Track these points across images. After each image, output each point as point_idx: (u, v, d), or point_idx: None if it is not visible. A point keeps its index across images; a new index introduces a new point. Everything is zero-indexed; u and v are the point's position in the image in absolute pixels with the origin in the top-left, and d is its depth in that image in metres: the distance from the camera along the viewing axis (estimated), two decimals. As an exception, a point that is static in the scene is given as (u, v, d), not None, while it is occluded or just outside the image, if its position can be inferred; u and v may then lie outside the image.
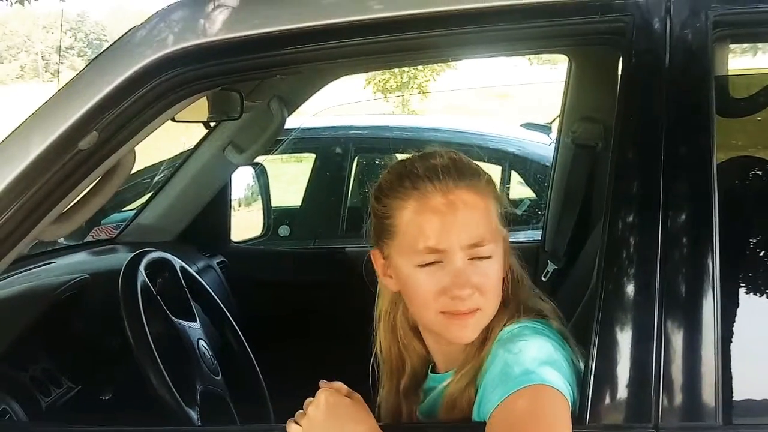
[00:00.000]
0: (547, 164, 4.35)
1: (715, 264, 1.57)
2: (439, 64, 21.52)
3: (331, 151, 5.57)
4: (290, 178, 6.87)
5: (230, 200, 4.01)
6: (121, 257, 2.93)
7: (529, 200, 5.10)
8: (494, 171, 5.06)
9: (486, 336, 1.69)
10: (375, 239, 1.77)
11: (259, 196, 4.96)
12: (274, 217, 4.94)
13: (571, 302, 2.12)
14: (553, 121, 4.99)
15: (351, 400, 1.62)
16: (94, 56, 1.92)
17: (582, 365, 1.63)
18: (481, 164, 1.77)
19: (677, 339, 1.57)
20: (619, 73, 1.75)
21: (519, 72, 25.68)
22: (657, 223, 1.59)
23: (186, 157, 3.70)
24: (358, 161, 5.48)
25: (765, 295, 1.77)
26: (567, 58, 3.31)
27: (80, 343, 2.70)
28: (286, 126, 3.68)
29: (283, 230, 5.11)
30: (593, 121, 3.05)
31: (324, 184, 5.54)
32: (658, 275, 1.58)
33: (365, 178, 5.33)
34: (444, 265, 1.64)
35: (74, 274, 2.79)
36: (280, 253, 4.47)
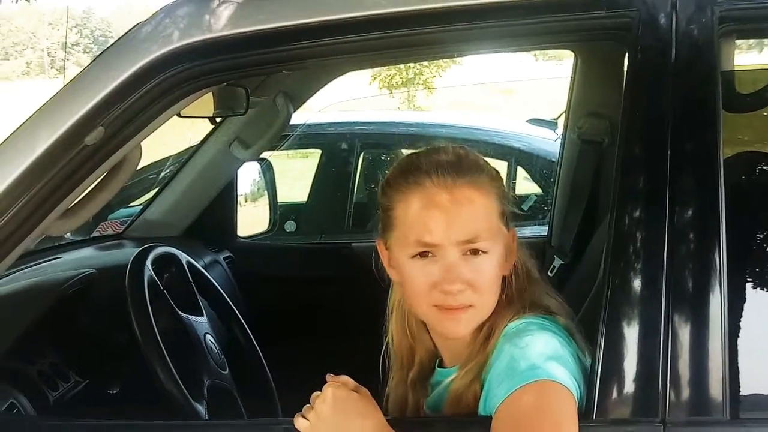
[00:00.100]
0: (553, 160, 4.35)
1: (721, 259, 1.57)
2: (445, 60, 21.55)
3: (337, 146, 5.58)
4: (296, 174, 6.88)
5: (236, 196, 4.01)
6: (128, 252, 2.94)
7: (536, 196, 5.10)
8: (500, 167, 5.04)
9: (490, 332, 1.70)
10: (381, 231, 1.79)
11: (266, 192, 4.96)
12: (280, 212, 4.93)
13: (577, 297, 2.12)
14: (559, 116, 4.99)
15: (358, 395, 1.62)
16: (100, 52, 1.93)
17: (589, 361, 1.63)
18: (487, 160, 1.78)
19: (684, 333, 1.56)
20: (625, 68, 1.75)
21: (524, 68, 25.65)
22: (663, 218, 1.59)
23: (192, 152, 3.71)
24: (363, 157, 5.48)
25: (771, 290, 1.77)
26: (573, 54, 3.31)
27: (87, 337, 2.71)
28: (292, 122, 3.69)
29: (290, 226, 5.11)
30: (599, 117, 3.04)
31: (330, 179, 5.54)
32: (664, 270, 1.58)
33: (371, 174, 5.33)
34: (437, 260, 1.66)
35: (81, 269, 2.79)
36: (286, 249, 4.48)
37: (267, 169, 4.83)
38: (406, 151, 1.83)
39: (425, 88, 22.80)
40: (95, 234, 3.88)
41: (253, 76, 2.85)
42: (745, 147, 1.95)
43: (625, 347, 1.58)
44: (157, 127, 1.86)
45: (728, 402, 1.55)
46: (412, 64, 21.87)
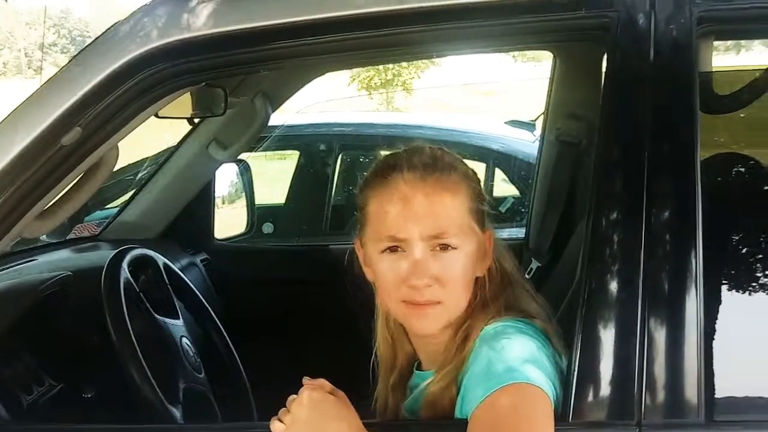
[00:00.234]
0: (532, 161, 4.36)
1: (698, 261, 1.58)
2: (424, 62, 21.58)
3: (315, 148, 5.58)
4: (274, 176, 6.87)
5: (214, 197, 4.00)
6: (104, 254, 2.92)
7: (513, 198, 5.11)
8: (478, 168, 5.05)
9: (467, 335, 1.70)
10: (358, 230, 1.81)
11: (243, 194, 4.95)
12: (257, 214, 4.92)
13: (554, 300, 2.12)
14: (537, 118, 5.00)
15: (334, 398, 1.61)
16: (77, 52, 1.91)
17: (565, 363, 1.64)
18: (465, 161, 1.79)
19: (660, 336, 1.57)
20: (604, 69, 1.76)
21: (503, 69, 25.72)
22: (640, 220, 1.59)
23: (170, 153, 3.69)
24: (342, 159, 5.49)
25: (747, 293, 1.77)
26: (552, 55, 3.31)
27: (62, 340, 2.68)
28: (270, 123, 3.68)
29: (267, 227, 5.11)
30: (577, 118, 3.05)
31: (308, 181, 5.54)
32: (641, 272, 1.58)
33: (350, 176, 5.34)
34: (406, 255, 1.68)
35: (56, 272, 2.77)
36: (263, 251, 4.48)
37: (245, 170, 4.82)
38: (384, 153, 1.84)
39: (404, 90, 22.83)
40: (71, 236, 3.86)
41: (231, 76, 2.84)
42: (723, 148, 1.96)
43: (602, 350, 1.58)
44: (135, 128, 1.85)
45: (704, 404, 1.56)
46: (390, 66, 21.93)
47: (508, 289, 1.78)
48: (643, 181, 1.60)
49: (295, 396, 1.62)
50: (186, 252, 3.68)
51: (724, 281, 1.72)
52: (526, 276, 3.08)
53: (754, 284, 1.76)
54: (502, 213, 4.74)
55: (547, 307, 1.79)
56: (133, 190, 3.90)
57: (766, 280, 1.76)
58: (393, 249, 1.70)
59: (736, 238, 1.81)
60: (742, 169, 1.96)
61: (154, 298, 2.58)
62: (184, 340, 2.57)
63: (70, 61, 1.88)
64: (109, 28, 1.83)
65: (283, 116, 5.18)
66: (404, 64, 21.89)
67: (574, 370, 1.57)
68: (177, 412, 2.26)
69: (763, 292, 1.75)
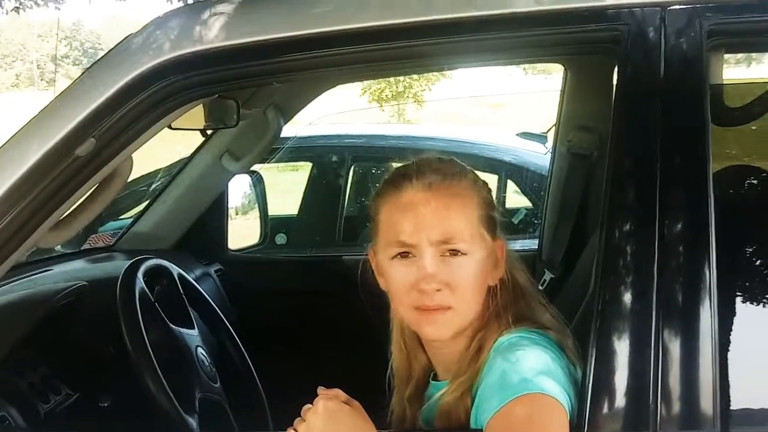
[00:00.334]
0: (543, 173, 4.36)
1: (711, 272, 1.57)
2: (435, 74, 21.58)
3: (327, 159, 5.58)
4: (286, 187, 6.87)
5: (227, 208, 4.01)
6: (119, 264, 2.93)
7: (526, 209, 5.10)
8: (490, 180, 5.04)
9: (481, 345, 1.71)
10: (371, 240, 1.83)
11: (256, 205, 4.96)
12: (270, 225, 4.93)
13: (567, 311, 2.12)
14: (549, 130, 5.00)
15: (350, 407, 1.62)
16: (90, 65, 1.93)
17: (580, 375, 1.64)
18: (477, 173, 1.80)
19: (675, 347, 1.56)
20: (615, 82, 1.76)
21: (514, 81, 25.70)
22: (653, 232, 1.59)
23: (183, 164, 3.71)
24: (354, 170, 5.48)
25: (761, 304, 1.77)
26: (562, 67, 3.32)
27: (78, 350, 2.69)
28: (282, 135, 3.69)
29: (280, 238, 5.11)
30: (589, 130, 3.05)
31: (320, 192, 5.54)
32: (655, 284, 1.58)
33: (362, 187, 5.34)
34: (415, 260, 1.69)
35: (72, 282, 2.78)
36: (276, 261, 4.48)
37: (257, 181, 4.83)
38: (396, 164, 1.85)
39: (415, 102, 22.84)
40: (85, 246, 3.87)
41: (244, 88, 2.85)
42: (734, 161, 1.96)
43: (616, 361, 1.58)
44: (148, 139, 1.86)
45: (719, 415, 1.55)
46: (402, 78, 21.93)
47: (522, 300, 1.78)
48: (656, 193, 1.60)
49: (310, 405, 1.62)
50: (200, 262, 3.69)
51: (737, 292, 1.72)
52: (539, 287, 3.09)
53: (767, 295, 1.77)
54: (515, 224, 4.74)
55: (560, 318, 1.79)
56: (147, 201, 3.91)
57: (779, 291, 1.76)
58: (403, 255, 1.71)
59: (749, 249, 1.81)
60: (755, 182, 1.96)
61: (169, 308, 2.59)
62: (200, 350, 2.57)
63: (83, 73, 1.89)
64: (122, 41, 1.84)
65: (295, 128, 5.19)
66: (415, 76, 21.92)
67: (589, 382, 1.56)
68: (193, 422, 2.26)
69: (777, 303, 1.75)
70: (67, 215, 1.93)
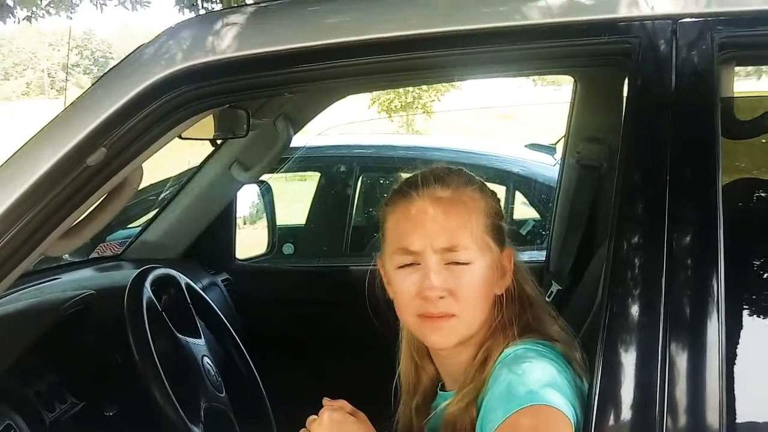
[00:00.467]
0: (552, 185, 4.35)
1: (719, 285, 1.56)
2: (444, 85, 21.61)
3: (336, 170, 5.58)
4: (295, 197, 6.88)
5: (235, 218, 4.02)
6: (127, 273, 2.94)
7: (534, 221, 5.10)
8: (499, 191, 5.03)
9: (487, 356, 1.70)
10: (380, 249, 1.83)
11: (264, 214, 4.97)
12: (278, 235, 4.94)
13: (575, 323, 2.12)
14: (558, 141, 4.99)
15: (355, 419, 1.62)
16: (100, 73, 1.93)
17: (586, 387, 1.63)
18: (485, 184, 1.80)
19: (682, 360, 1.56)
20: (625, 94, 1.76)
21: (523, 93, 25.72)
22: (662, 245, 1.58)
23: (192, 174, 3.71)
24: (362, 180, 5.48)
25: (769, 317, 1.77)
26: (572, 79, 3.32)
27: (85, 358, 2.70)
28: (292, 145, 3.69)
29: (288, 248, 5.11)
30: (598, 142, 3.04)
31: (328, 202, 5.53)
32: (663, 296, 1.57)
33: (370, 197, 5.34)
34: (420, 268, 1.69)
35: (79, 290, 2.79)
36: (284, 271, 4.48)
37: (266, 191, 4.84)
38: (404, 175, 1.85)
39: (424, 112, 22.87)
40: (94, 255, 3.88)
41: (254, 98, 2.86)
42: (744, 174, 1.95)
43: (623, 373, 1.57)
44: (159, 149, 1.86)
45: (725, 429, 1.55)
46: (411, 89, 21.97)
47: (529, 310, 1.78)
48: (665, 206, 1.59)
49: (315, 416, 1.63)
50: (207, 272, 3.70)
51: (745, 306, 1.72)
52: (547, 299, 3.09)
53: (776, 309, 1.76)
54: (523, 236, 4.74)
55: (568, 330, 1.79)
56: (156, 210, 3.92)
57: (788, 305, 1.76)
58: (409, 264, 1.71)
59: (758, 263, 1.81)
60: (764, 195, 1.96)
61: (176, 318, 2.60)
62: (206, 359, 2.58)
63: (95, 82, 1.90)
64: (134, 51, 1.85)
65: (305, 138, 5.19)
66: (424, 87, 21.95)
67: (595, 394, 1.56)
68: (198, 431, 2.27)
69: (785, 317, 1.75)
70: (76, 224, 1.93)
